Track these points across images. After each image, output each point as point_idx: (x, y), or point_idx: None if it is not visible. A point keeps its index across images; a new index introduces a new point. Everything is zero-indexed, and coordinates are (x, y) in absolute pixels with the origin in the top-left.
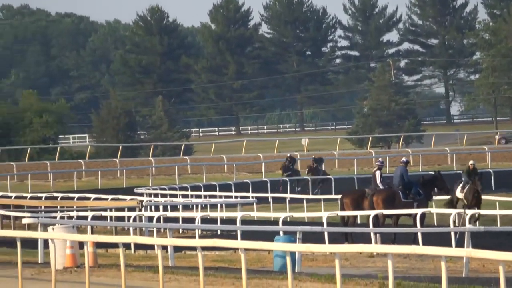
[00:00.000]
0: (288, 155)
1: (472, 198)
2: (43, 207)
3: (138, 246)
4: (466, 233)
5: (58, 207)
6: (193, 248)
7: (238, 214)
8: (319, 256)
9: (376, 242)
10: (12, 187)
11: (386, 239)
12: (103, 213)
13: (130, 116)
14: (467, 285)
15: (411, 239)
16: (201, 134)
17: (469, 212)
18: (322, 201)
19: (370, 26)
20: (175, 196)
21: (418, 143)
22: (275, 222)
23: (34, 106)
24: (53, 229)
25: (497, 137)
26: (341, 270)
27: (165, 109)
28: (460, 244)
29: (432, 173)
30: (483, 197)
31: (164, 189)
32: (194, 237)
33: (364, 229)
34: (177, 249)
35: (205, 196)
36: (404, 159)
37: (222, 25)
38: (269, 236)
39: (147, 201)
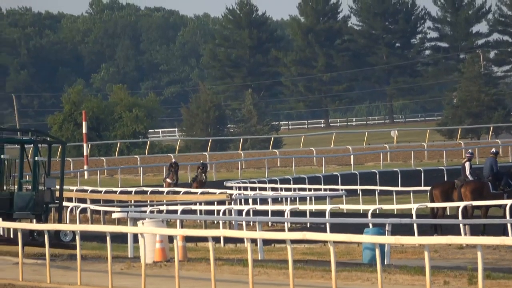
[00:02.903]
0: (201, 161)
1: None
2: (132, 202)
3: (228, 240)
4: None
5: (148, 201)
6: (283, 241)
7: (327, 207)
8: (408, 248)
9: (465, 234)
10: (102, 182)
11: (476, 230)
12: (193, 207)
13: (220, 110)
14: None
15: (501, 231)
16: (290, 127)
17: None
18: (411, 193)
19: (460, 17)
20: (264, 189)
21: (508, 134)
22: (364, 214)
23: (124, 100)
24: (142, 223)
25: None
26: (430, 262)
27: (254, 103)
28: None
29: None
30: None
31: (254, 182)
32: (283, 230)
33: (453, 221)
34: (266, 242)
35: (294, 189)
36: (493, 150)
37: (311, 17)
38: (358, 229)
39: (236, 194)
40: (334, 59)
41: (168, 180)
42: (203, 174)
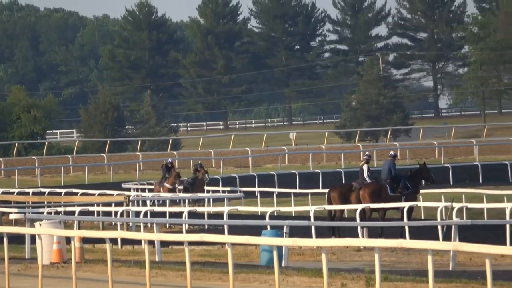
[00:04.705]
0: (199, 162)
1: None
2: (30, 203)
3: (125, 241)
4: (453, 226)
5: (45, 202)
6: (180, 243)
7: (225, 209)
8: (306, 251)
9: (363, 236)
10: (0, 183)
11: (373, 233)
12: (90, 208)
13: (118, 111)
14: (454, 278)
15: (398, 233)
16: (189, 128)
17: (456, 205)
18: (309, 195)
19: (359, 20)
20: None
21: (406, 136)
22: (262, 216)
23: (22, 101)
24: (40, 224)
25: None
26: (327, 264)
27: (153, 104)
28: (447, 237)
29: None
30: (470, 190)
31: (152, 183)
32: (181, 232)
33: (351, 223)
34: (164, 244)
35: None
36: (392, 152)
37: (211, 19)
38: (256, 231)
39: (134, 196)
40: (233, 61)
41: (167, 185)
42: (206, 174)
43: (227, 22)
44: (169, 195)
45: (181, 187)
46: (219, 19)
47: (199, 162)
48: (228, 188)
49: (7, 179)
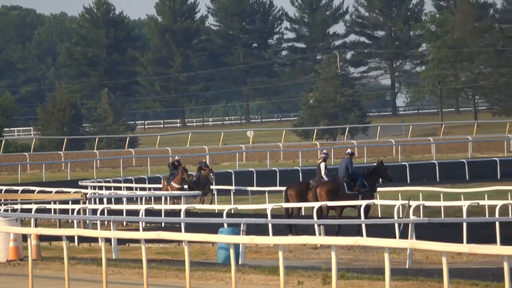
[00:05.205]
0: (203, 161)
1: None
2: None
3: (82, 239)
4: (410, 224)
5: (2, 200)
6: (137, 241)
7: (182, 207)
8: (263, 248)
9: (320, 234)
10: None
11: (330, 231)
12: (47, 206)
13: (76, 109)
14: (410, 276)
15: (355, 231)
16: (146, 126)
17: (413, 203)
18: (266, 193)
19: (317, 18)
20: (119, 188)
21: (363, 134)
22: (219, 214)
23: None
24: None
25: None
26: (284, 262)
27: (110, 102)
28: (404, 235)
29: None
30: (427, 188)
31: (109, 181)
32: (138, 229)
33: (308, 221)
34: (120, 241)
35: (150, 189)
36: (349, 150)
37: (168, 17)
38: (213, 228)
39: (91, 193)
40: (191, 59)
41: (175, 184)
42: (211, 174)
43: (184, 20)
44: (126, 193)
45: (185, 186)
46: (176, 17)
47: (203, 160)
48: (185, 186)
49: None
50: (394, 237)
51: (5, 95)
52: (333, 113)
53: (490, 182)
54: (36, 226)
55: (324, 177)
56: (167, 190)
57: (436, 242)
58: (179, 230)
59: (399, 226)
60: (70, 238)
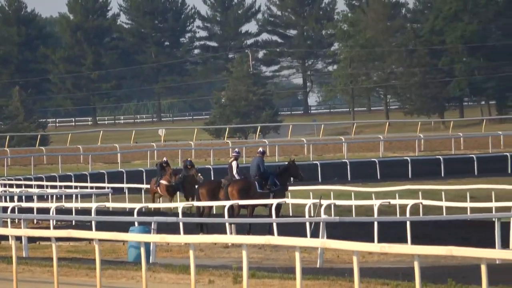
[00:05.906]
0: (188, 159)
1: None
2: None
3: None
4: (321, 223)
5: None
6: (48, 239)
7: (93, 205)
8: (174, 247)
9: (231, 233)
10: None
11: (241, 229)
12: None
13: None
14: (321, 275)
15: (267, 230)
16: (57, 124)
17: (324, 202)
18: (177, 192)
19: (229, 16)
20: (30, 186)
21: (275, 133)
22: (130, 212)
23: None
24: None
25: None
26: (195, 261)
27: (21, 100)
28: (315, 234)
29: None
30: (338, 187)
31: (19, 179)
32: (48, 227)
33: (219, 220)
34: (31, 240)
35: (60, 187)
36: (260, 149)
37: (80, 15)
38: (124, 227)
39: (1, 191)
40: (102, 57)
41: (163, 182)
42: (200, 174)
43: (96, 18)
44: (36, 190)
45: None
46: (88, 15)
47: (189, 159)
48: (97, 184)
49: None
50: (305, 236)
51: None
52: (245, 112)
53: (401, 181)
54: None
55: (235, 175)
56: (156, 191)
57: (347, 241)
58: (90, 228)
59: (310, 225)
60: None
